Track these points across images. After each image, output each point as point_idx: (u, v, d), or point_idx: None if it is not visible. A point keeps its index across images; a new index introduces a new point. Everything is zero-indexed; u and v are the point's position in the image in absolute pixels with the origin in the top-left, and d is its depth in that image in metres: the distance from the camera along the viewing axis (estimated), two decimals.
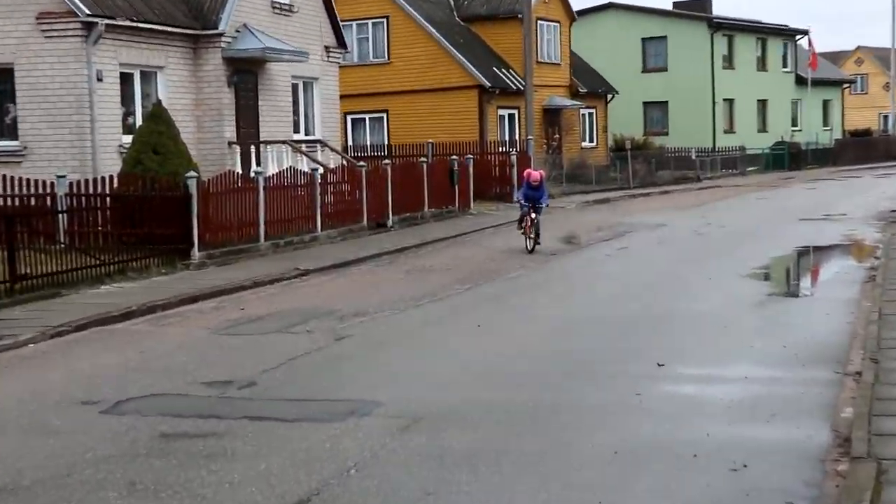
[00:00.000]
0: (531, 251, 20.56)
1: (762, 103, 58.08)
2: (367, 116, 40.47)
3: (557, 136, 42.25)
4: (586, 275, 18.46)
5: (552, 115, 42.60)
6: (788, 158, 54.73)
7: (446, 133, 37.87)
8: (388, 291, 16.35)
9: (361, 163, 26.65)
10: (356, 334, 12.78)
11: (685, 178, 45.90)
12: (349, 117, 40.07)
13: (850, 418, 8.28)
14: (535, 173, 21.20)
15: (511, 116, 40.39)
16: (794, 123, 60.97)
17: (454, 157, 31.17)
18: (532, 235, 20.69)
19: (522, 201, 20.87)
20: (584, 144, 45.28)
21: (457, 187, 30.16)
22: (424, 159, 30.24)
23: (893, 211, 28.26)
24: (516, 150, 36.25)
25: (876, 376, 9.36)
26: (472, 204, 31.26)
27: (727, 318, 13.25)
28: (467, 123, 38.53)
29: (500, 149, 37.30)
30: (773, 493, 6.81)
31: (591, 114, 46.28)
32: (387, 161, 27.95)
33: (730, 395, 9.31)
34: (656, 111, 54.69)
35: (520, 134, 39.82)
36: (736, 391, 9.47)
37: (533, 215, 20.60)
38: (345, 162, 27.43)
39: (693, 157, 48.16)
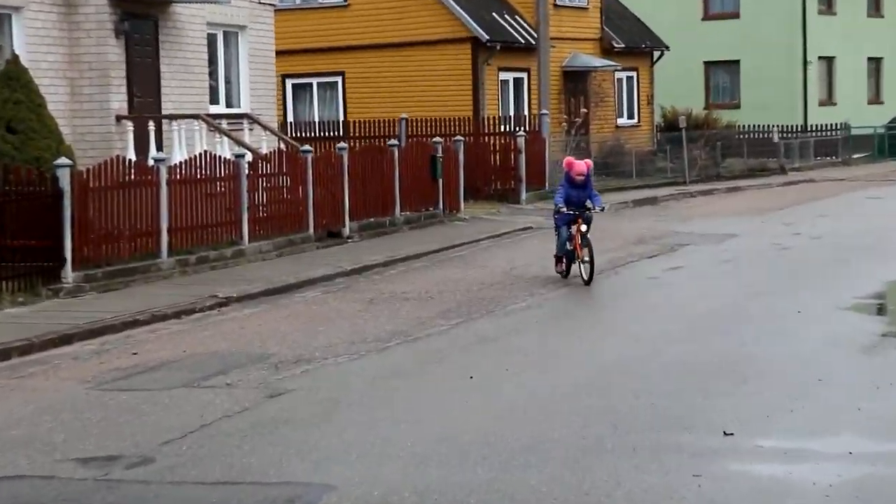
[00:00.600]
0: (587, 282, 19.74)
1: (875, 63, 58.48)
2: (314, 81, 40.56)
3: (583, 109, 42.41)
4: (623, 306, 18.57)
5: (576, 81, 42.77)
6: None
7: (426, 105, 37.89)
8: (342, 329, 16.34)
9: (306, 147, 26.63)
10: (297, 389, 12.76)
11: (764, 170, 46.12)
12: (289, 82, 40.14)
13: None
14: (580, 164, 20.26)
15: (518, 82, 40.52)
16: None
17: (437, 139, 31.25)
18: (586, 258, 19.69)
19: (563, 207, 19.96)
20: (620, 122, 45.50)
21: (441, 182, 30.22)
22: (395, 142, 30.27)
23: None
24: (525, 130, 36.38)
25: None
26: (461, 205, 31.33)
27: (823, 368, 13.31)
28: (456, 92, 38.60)
29: (503, 127, 37.37)
30: None
31: (630, 78, 46.50)
32: (343, 145, 27.96)
33: (827, 478, 9.33)
34: (723, 75, 54.94)
35: (530, 107, 39.94)
36: (835, 473, 9.49)
37: (583, 227, 19.73)
38: (283, 146, 27.42)
39: (775, 140, 48.39)
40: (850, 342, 14.80)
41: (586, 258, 19.66)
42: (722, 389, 12.44)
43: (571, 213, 19.79)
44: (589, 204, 20.18)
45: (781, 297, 18.29)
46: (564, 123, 40.49)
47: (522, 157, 35.03)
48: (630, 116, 46.65)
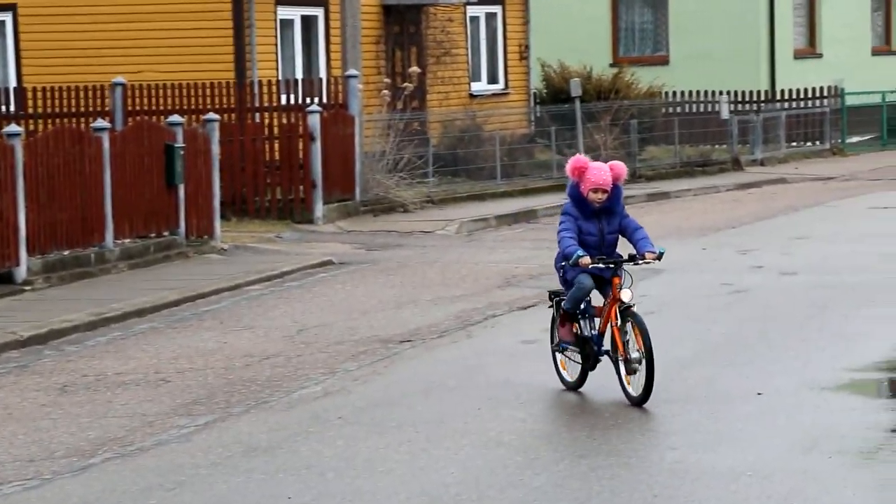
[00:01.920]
0: (639, 400, 16.98)
1: None
2: None
3: (415, 68, 42.54)
4: (475, 393, 18.43)
5: (404, 22, 42.93)
6: None
7: (160, 63, 37.74)
8: (14, 437, 16.12)
9: None
10: None
11: (708, 164, 46.80)
12: None
13: None
14: (600, 170, 17.43)
15: (308, 24, 40.63)
16: None
17: (176, 118, 31.09)
18: (635, 356, 16.95)
19: (584, 255, 17.05)
20: (475, 88, 45.84)
21: (182, 189, 30.03)
22: (106, 124, 30.00)
23: None
24: (322, 103, 36.34)
25: None
26: (217, 227, 31.19)
27: (793, 491, 13.43)
28: (208, 41, 38.48)
29: (286, 99, 37.33)
30: None
31: (491, 17, 46.89)
32: (15, 129, 27.62)
33: None
34: (642, 12, 55.62)
35: (329, 66, 39.97)
36: None
37: (624, 295, 17.27)
38: None
39: (725, 116, 49.05)
40: (840, 444, 14.91)
41: (635, 355, 16.97)
42: None
43: (602, 267, 17.32)
44: (631, 246, 17.83)
45: (732, 371, 18.51)
46: (386, 92, 40.61)
47: (318, 146, 35.06)
48: (493, 80, 47.09)
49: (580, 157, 17.89)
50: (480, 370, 19.59)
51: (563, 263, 17.38)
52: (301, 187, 35.32)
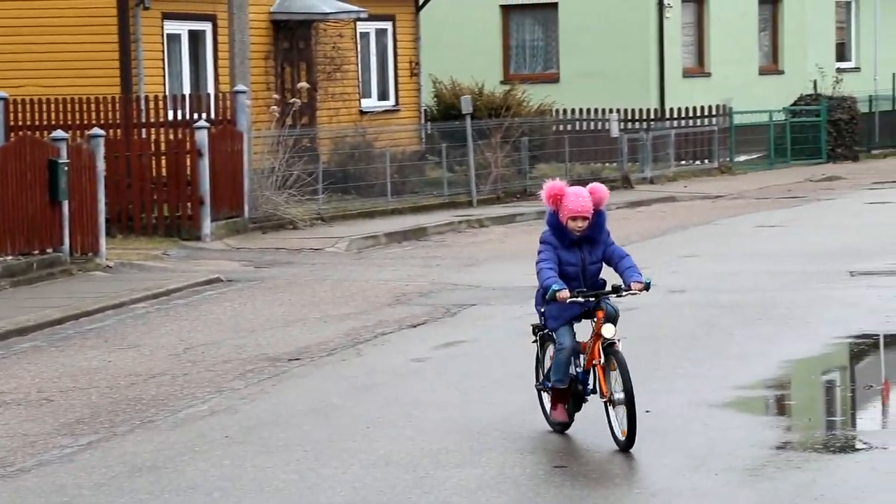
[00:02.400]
0: (625, 445, 15.57)
1: (768, 6, 59.97)
2: None
3: (304, 84, 42.50)
4: (363, 411, 18.36)
5: (294, 37, 42.89)
6: (827, 134, 56.53)
7: (44, 76, 37.53)
8: None
9: None
10: None
11: (598, 181, 46.78)
12: None
13: None
14: (578, 195, 15.84)
15: (196, 38, 40.48)
16: (843, 55, 63.24)
17: (60, 134, 30.86)
18: (618, 395, 15.74)
19: (561, 288, 15.59)
20: (366, 104, 45.87)
21: (66, 205, 29.84)
22: None
23: None
24: (210, 119, 36.25)
25: None
26: (102, 244, 31.03)
27: None
28: (93, 54, 38.29)
29: (173, 114, 37.20)
30: None
31: (382, 34, 46.90)
32: None
33: None
34: (533, 29, 55.74)
35: (217, 80, 39.87)
36: None
37: (606, 330, 15.86)
38: None
39: (615, 134, 49.23)
40: (726, 462, 15.03)
41: (619, 395, 15.70)
42: None
43: (581, 301, 15.91)
44: (615, 276, 16.34)
45: None
46: (275, 108, 40.58)
47: (205, 162, 34.98)
48: (383, 97, 47.07)
49: (556, 183, 15.80)
50: (370, 389, 19.56)
51: (542, 309, 16.10)
52: (189, 204, 35.16)
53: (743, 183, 48.54)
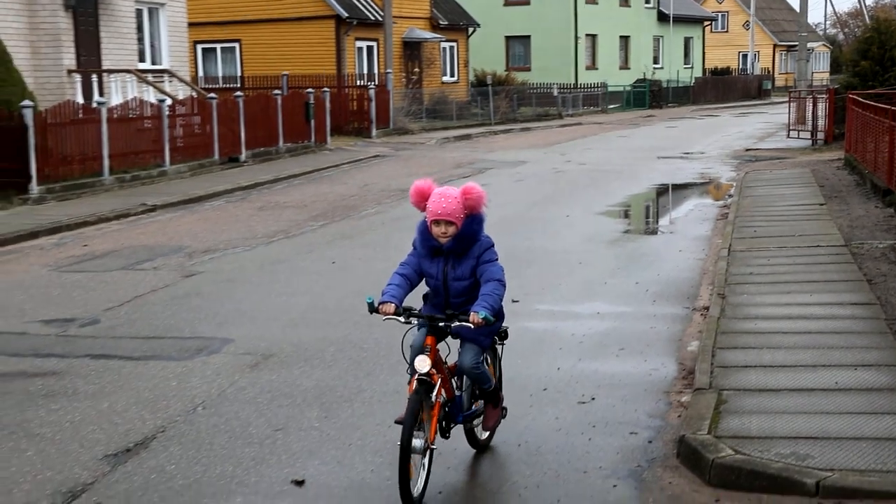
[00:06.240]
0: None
1: (624, 39, 59.27)
2: (218, 46, 39.65)
3: (418, 70, 42.27)
4: None
5: (412, 49, 42.56)
6: (649, 96, 56.08)
7: (302, 65, 37.45)
8: (239, 228, 16.21)
9: (212, 95, 26.14)
10: (206, 271, 12.70)
11: (547, 115, 46.59)
12: (199, 47, 39.22)
13: (695, 352, 8.70)
14: (446, 198, 6.16)
15: (370, 49, 40.17)
16: (656, 61, 62.53)
17: (310, 90, 30.86)
18: (415, 445, 5.76)
19: (371, 300, 6.06)
20: (444, 79, 45.45)
21: (312, 122, 29.95)
22: (279, 92, 29.83)
23: (748, 150, 29.41)
24: (375, 84, 36.15)
25: (722, 311, 9.80)
26: (328, 139, 31.12)
27: (583, 256, 13.50)
28: (324, 55, 38.15)
29: (359, 82, 37.12)
30: (618, 424, 7.14)
31: (452, 47, 46.42)
32: (239, 93, 27.49)
33: (581, 331, 9.64)
34: (519, 46, 55.17)
35: (379, 67, 39.68)
36: (587, 327, 9.80)
37: (417, 363, 5.97)
38: (194, 93, 26.84)
39: (555, 94, 48.89)
40: (602, 237, 14.99)
41: (417, 443, 5.79)
42: (512, 271, 12.64)
43: (402, 321, 6.10)
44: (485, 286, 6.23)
45: (556, 206, 18.41)
46: (404, 80, 40.39)
47: (373, 104, 34.89)
48: (452, 75, 46.63)
49: (423, 181, 6.25)
50: None
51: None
52: (366, 122, 35.07)
53: (612, 117, 48.06)
